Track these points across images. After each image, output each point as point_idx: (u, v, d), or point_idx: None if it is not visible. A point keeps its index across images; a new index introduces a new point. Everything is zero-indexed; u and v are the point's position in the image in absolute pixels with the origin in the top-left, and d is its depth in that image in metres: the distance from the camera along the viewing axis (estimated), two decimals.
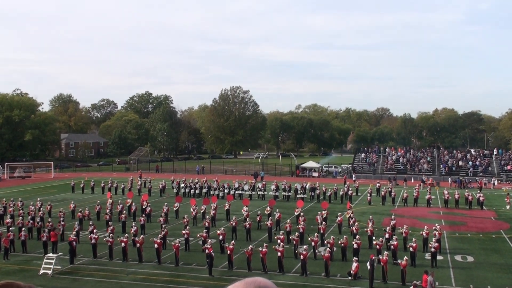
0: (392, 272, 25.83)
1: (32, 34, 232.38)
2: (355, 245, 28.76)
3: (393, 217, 36.46)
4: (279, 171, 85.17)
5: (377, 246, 28.87)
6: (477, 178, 68.07)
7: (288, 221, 36.86)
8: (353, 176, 70.94)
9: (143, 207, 41.99)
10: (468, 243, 34.26)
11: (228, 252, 27.82)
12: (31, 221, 36.59)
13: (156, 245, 28.95)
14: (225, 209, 42.23)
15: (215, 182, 57.53)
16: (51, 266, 27.20)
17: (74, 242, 29.49)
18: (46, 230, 32.31)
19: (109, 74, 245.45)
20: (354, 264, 25.88)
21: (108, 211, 39.66)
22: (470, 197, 48.72)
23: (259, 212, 39.96)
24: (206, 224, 35.40)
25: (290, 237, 31.76)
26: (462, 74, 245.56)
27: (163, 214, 38.70)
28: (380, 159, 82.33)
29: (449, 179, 68.02)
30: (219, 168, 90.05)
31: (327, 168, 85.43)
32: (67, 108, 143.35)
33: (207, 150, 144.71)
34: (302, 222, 34.21)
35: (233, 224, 34.81)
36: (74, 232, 31.63)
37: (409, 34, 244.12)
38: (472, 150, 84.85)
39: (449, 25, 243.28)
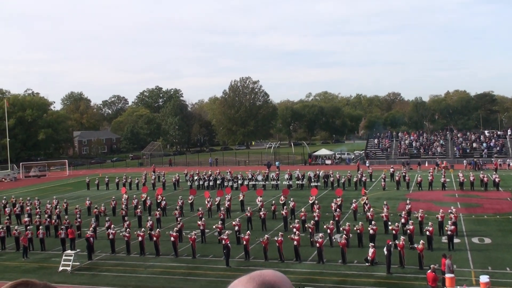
0: (409, 257, 25.76)
1: (41, 34, 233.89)
2: (371, 231, 28.69)
3: (408, 201, 36.29)
4: (292, 160, 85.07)
5: (393, 231, 28.79)
6: (492, 159, 67.50)
7: (303, 209, 36.83)
8: (367, 162, 70.66)
9: (158, 201, 42.23)
10: (485, 225, 34.03)
11: (244, 242, 27.92)
12: (48, 219, 36.97)
13: (172, 238, 29.11)
14: (240, 200, 42.29)
15: (228, 173, 57.63)
16: (70, 263, 27.47)
17: (92, 238, 29.77)
18: (63, 227, 32.62)
19: (119, 70, 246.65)
20: (371, 250, 25.85)
21: (123, 206, 39.95)
22: (485, 179, 48.33)
23: (273, 201, 39.98)
24: (221, 215, 35.52)
25: (306, 225, 31.76)
26: (473, 55, 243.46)
27: (178, 207, 38.89)
28: (393, 144, 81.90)
29: (464, 161, 67.45)
30: (232, 159, 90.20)
31: (340, 155, 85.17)
32: (78, 106, 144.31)
33: (219, 142, 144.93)
34: (317, 210, 34.17)
35: (248, 214, 34.89)
36: (91, 229, 31.91)
37: (419, 17, 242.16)
38: (486, 131, 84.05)
39: (459, 5, 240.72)
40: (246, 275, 1.84)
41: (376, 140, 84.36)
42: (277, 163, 75.66)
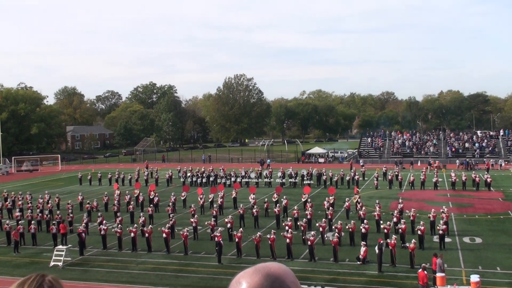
0: (401, 256, 25.87)
1: (35, 27, 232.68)
2: (363, 230, 28.79)
3: (400, 200, 36.43)
4: (285, 158, 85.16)
5: (385, 230, 28.87)
6: (484, 160, 67.85)
7: (295, 207, 36.91)
8: (361, 161, 70.79)
9: (151, 197, 42.14)
10: (476, 225, 34.24)
11: (237, 239, 27.95)
12: (40, 214, 36.83)
13: (164, 235, 29.09)
14: (232, 197, 42.31)
15: (221, 170, 57.61)
16: (61, 258, 27.41)
17: (83, 234, 29.68)
18: (55, 222, 32.51)
19: (113, 65, 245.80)
20: (363, 249, 25.94)
21: (116, 202, 39.85)
22: (477, 179, 48.57)
23: (266, 199, 40.02)
24: (214, 212, 35.53)
25: (298, 223, 31.81)
26: (467, 55, 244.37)
27: (170, 204, 38.85)
28: (386, 143, 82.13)
29: (457, 161, 67.75)
30: (225, 156, 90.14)
31: (333, 154, 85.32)
32: (72, 101, 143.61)
33: (213, 139, 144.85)
34: (309, 208, 34.27)
35: (241, 212, 34.91)
36: (83, 224, 31.82)
37: (413, 16, 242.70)
38: (479, 132, 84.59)
39: (454, 5, 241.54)
40: (251, 267, 1.88)
41: (369, 139, 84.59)
42: (268, 161, 75.79)
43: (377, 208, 33.66)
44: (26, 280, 1.98)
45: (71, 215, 35.62)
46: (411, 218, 31.61)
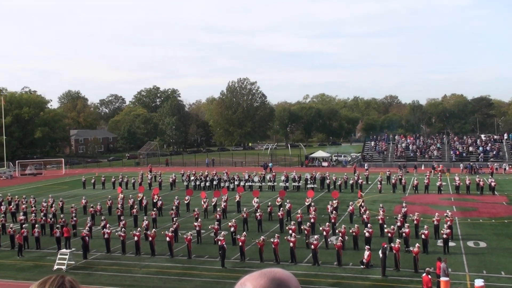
0: (405, 260, 25.81)
1: (38, 31, 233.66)
2: (366, 234, 28.72)
3: (404, 204, 36.35)
4: (289, 162, 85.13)
5: (389, 234, 28.83)
6: (488, 163, 67.65)
7: (299, 211, 36.76)
8: (365, 165, 70.67)
9: (154, 201, 42.18)
10: (480, 229, 34.12)
11: (240, 243, 27.92)
12: (43, 218, 36.88)
13: (168, 238, 29.09)
14: (236, 201, 42.31)
15: (225, 174, 57.61)
16: (65, 262, 27.42)
17: (87, 237, 29.71)
18: (58, 226, 32.56)
19: (117, 69, 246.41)
20: (366, 253, 25.88)
21: (119, 205, 39.88)
22: (481, 183, 48.44)
23: (269, 203, 39.98)
24: (217, 216, 35.51)
25: (302, 227, 31.79)
26: (470, 59, 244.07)
27: (174, 208, 38.86)
28: (390, 147, 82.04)
29: (460, 165, 67.60)
30: (229, 160, 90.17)
31: (336, 158, 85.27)
32: (75, 105, 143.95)
33: (216, 142, 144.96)
34: (313, 212, 34.23)
35: (244, 215, 34.89)
36: (86, 228, 31.85)
37: (416, 20, 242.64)
38: (482, 135, 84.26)
39: (457, 9, 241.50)
40: (257, 271, 1.92)
41: (373, 143, 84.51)
42: (270, 164, 75.78)
43: (381, 212, 33.60)
44: (47, 280, 2.05)
45: (74, 218, 35.68)
46: (415, 222, 31.54)
